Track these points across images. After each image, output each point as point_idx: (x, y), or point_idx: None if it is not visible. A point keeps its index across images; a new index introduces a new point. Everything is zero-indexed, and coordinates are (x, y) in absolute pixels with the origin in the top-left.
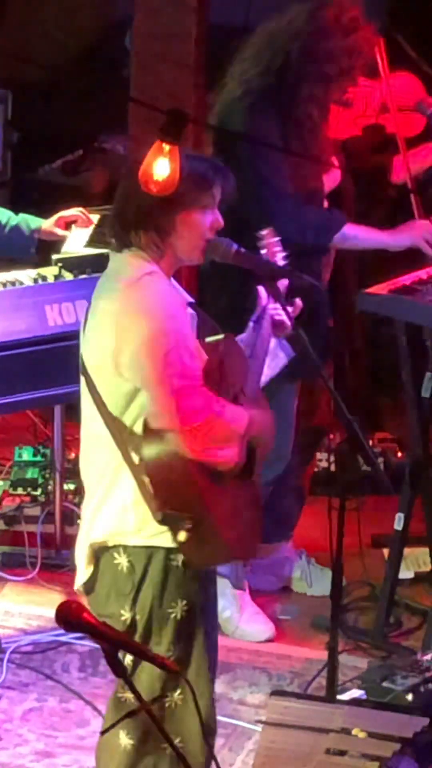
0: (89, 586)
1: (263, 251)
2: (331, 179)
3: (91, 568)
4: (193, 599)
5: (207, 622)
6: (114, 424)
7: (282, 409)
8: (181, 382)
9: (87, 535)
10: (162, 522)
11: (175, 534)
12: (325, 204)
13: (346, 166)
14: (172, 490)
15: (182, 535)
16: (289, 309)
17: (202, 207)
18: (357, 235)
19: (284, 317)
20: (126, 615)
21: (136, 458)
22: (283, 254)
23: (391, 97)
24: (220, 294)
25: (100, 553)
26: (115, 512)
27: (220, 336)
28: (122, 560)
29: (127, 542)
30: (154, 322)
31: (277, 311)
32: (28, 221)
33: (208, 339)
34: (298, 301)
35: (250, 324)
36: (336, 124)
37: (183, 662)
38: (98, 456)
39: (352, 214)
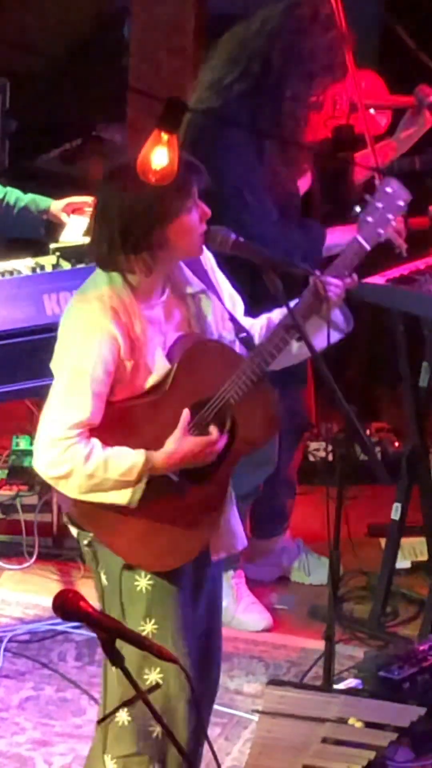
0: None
1: (378, 204)
2: (305, 182)
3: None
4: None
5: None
6: None
7: None
8: (53, 432)
9: None
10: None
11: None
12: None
13: (313, 168)
14: (64, 503)
15: (86, 543)
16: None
17: (186, 210)
18: (337, 244)
19: (333, 294)
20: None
21: None
22: (385, 219)
23: (359, 95)
24: (244, 280)
25: None
26: None
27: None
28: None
29: None
30: (70, 356)
31: (329, 285)
32: (37, 201)
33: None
34: (355, 276)
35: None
36: (308, 128)
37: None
38: None
39: (319, 215)
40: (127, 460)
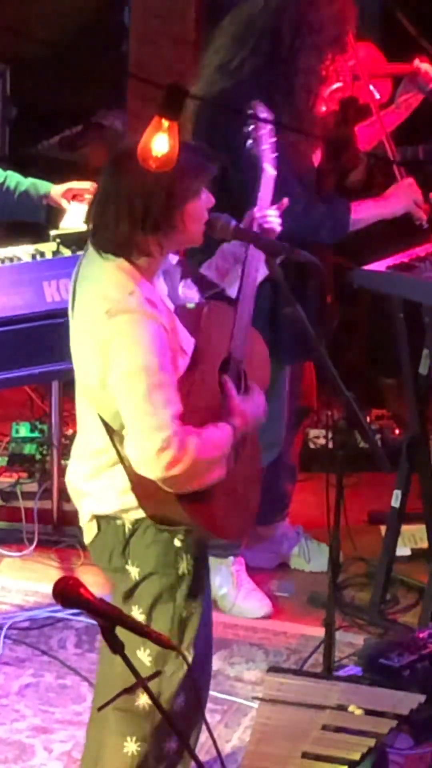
0: (93, 545)
1: (262, 133)
2: (316, 157)
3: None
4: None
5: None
6: (106, 425)
7: (276, 397)
8: (161, 434)
9: (82, 501)
10: (158, 526)
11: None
12: None
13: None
14: (156, 507)
15: (177, 542)
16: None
17: (199, 194)
18: (361, 218)
19: (274, 223)
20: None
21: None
22: (272, 141)
23: (362, 65)
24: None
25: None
26: (111, 491)
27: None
28: (126, 522)
29: (129, 516)
30: (137, 358)
31: (265, 218)
32: (38, 186)
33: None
34: (284, 200)
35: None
36: (319, 101)
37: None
38: (94, 438)
39: (329, 189)
40: (222, 434)
